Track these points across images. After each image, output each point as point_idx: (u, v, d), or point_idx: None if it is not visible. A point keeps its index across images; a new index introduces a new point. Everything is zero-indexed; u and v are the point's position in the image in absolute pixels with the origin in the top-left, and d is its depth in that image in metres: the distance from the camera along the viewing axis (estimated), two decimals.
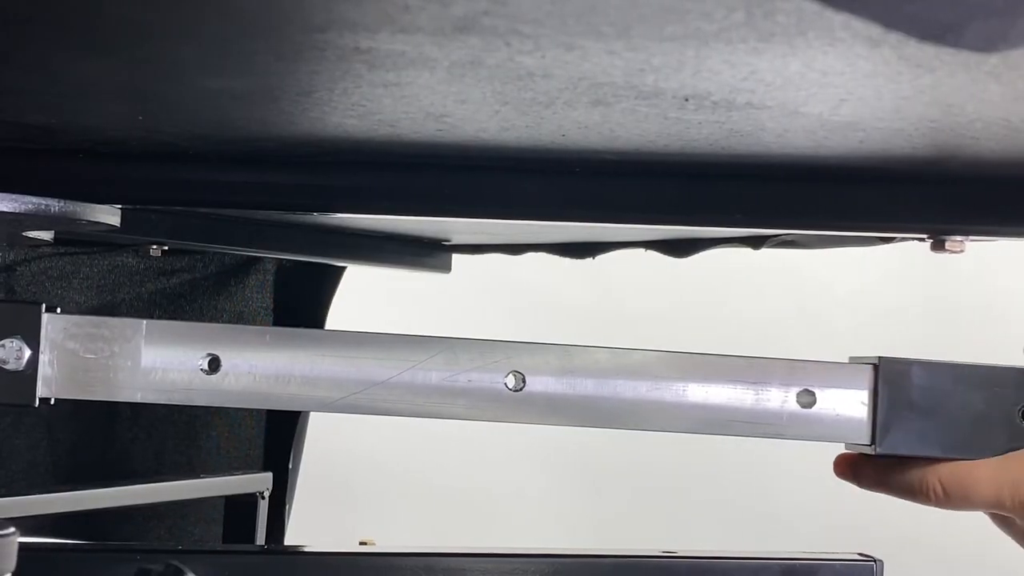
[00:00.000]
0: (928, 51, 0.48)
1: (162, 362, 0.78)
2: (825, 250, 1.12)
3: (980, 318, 2.15)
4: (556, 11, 0.46)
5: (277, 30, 0.50)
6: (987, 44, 0.40)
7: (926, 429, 0.80)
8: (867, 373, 0.80)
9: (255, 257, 1.37)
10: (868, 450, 0.80)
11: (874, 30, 0.45)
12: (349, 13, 0.47)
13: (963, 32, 0.38)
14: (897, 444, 0.80)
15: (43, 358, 0.77)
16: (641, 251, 1.24)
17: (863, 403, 0.80)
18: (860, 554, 0.87)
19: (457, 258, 1.40)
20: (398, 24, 0.48)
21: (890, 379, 0.80)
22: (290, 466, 1.37)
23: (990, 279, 2.15)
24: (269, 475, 1.26)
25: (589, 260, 1.31)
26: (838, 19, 0.45)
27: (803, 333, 2.08)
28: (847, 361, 0.82)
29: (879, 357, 0.80)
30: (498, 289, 2.11)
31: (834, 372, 0.80)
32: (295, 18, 0.48)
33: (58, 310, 0.78)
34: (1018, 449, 0.79)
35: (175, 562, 0.65)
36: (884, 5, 0.36)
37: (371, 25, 0.48)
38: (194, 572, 0.81)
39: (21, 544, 0.63)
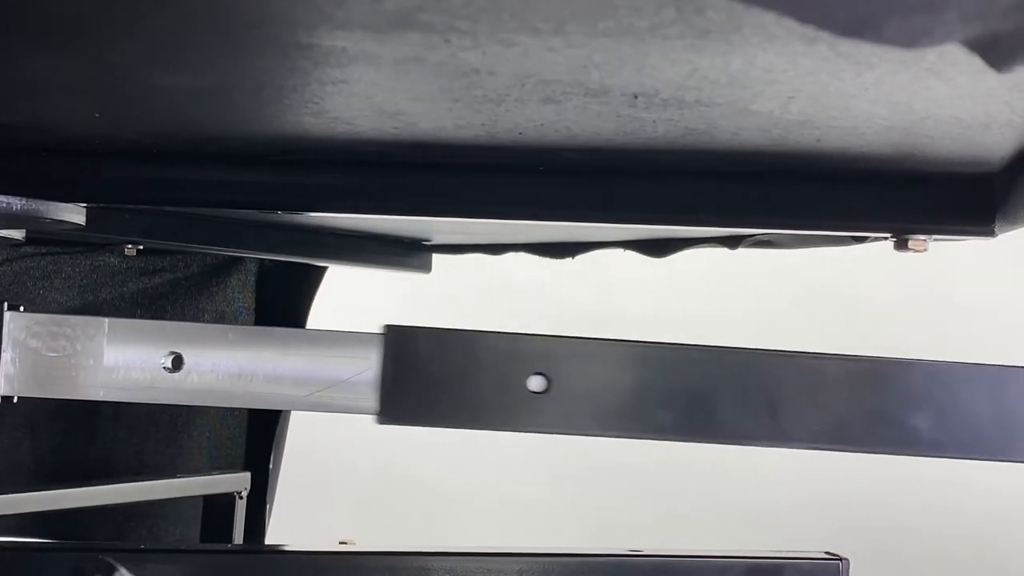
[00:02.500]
0: (864, 48, 0.48)
1: (124, 360, 0.78)
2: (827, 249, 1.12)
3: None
4: (490, 6, 0.46)
5: (216, 25, 0.50)
6: (910, 40, 0.40)
7: (435, 399, 0.79)
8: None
9: (237, 257, 1.37)
10: (376, 420, 0.79)
11: (807, 27, 0.45)
12: (283, 8, 0.47)
13: (882, 28, 0.38)
14: (402, 414, 0.79)
15: (5, 356, 0.77)
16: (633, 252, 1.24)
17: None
18: (827, 552, 0.87)
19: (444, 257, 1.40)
20: (334, 20, 0.48)
21: (397, 349, 0.79)
22: (271, 465, 1.37)
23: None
24: (247, 475, 1.26)
25: (569, 260, 1.32)
26: (769, 16, 0.45)
27: (805, 331, 2.08)
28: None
29: (386, 326, 0.79)
30: (489, 288, 2.11)
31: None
32: (230, 13, 0.48)
33: (21, 308, 0.78)
34: (529, 417, 0.78)
35: (109, 559, 0.65)
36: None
37: (307, 21, 0.48)
38: (174, 571, 0.81)
39: None
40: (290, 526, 1.44)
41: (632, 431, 0.80)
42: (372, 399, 0.79)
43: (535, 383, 0.79)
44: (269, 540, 1.39)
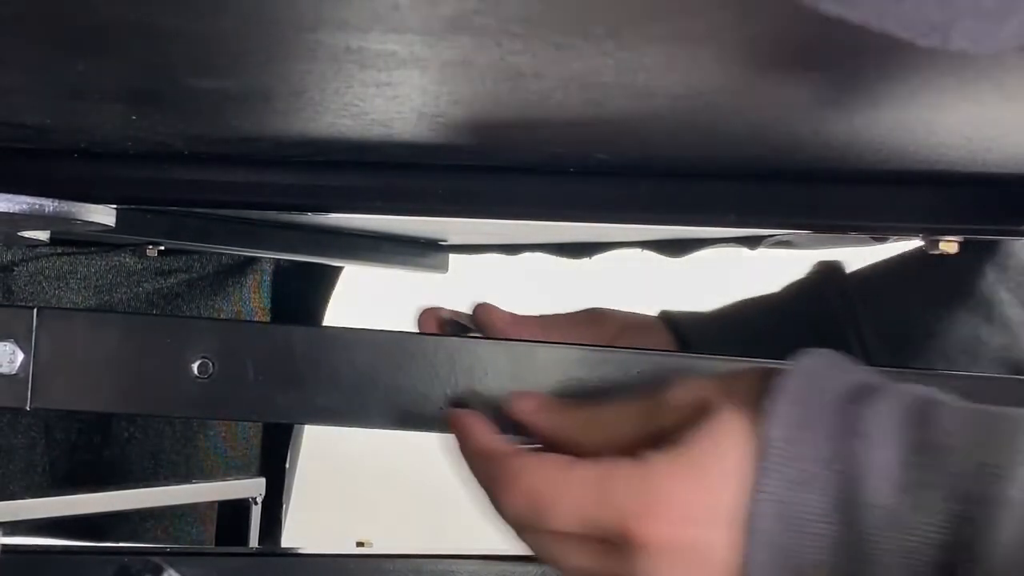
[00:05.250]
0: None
1: None
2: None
3: None
4: (547, 10, 0.46)
5: (268, 30, 0.50)
6: (974, 45, 0.40)
7: (90, 383, 0.77)
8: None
9: (252, 257, 1.37)
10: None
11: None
12: (339, 12, 0.47)
13: (950, 32, 0.38)
14: (53, 398, 0.77)
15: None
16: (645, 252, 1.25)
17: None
18: None
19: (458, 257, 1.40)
20: (388, 24, 0.48)
21: (50, 330, 0.76)
22: (287, 466, 1.37)
23: None
24: (262, 481, 1.26)
25: (586, 260, 1.32)
26: None
27: None
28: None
29: (38, 307, 0.77)
30: (498, 288, 2.11)
31: None
32: (285, 17, 0.48)
33: None
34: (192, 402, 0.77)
35: (156, 560, 0.65)
36: (874, 6, 0.36)
37: (361, 24, 0.48)
38: (193, 574, 0.81)
39: (6, 546, 0.63)
40: (306, 526, 1.44)
41: (298, 416, 0.80)
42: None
43: (198, 368, 0.77)
44: (285, 541, 1.39)
